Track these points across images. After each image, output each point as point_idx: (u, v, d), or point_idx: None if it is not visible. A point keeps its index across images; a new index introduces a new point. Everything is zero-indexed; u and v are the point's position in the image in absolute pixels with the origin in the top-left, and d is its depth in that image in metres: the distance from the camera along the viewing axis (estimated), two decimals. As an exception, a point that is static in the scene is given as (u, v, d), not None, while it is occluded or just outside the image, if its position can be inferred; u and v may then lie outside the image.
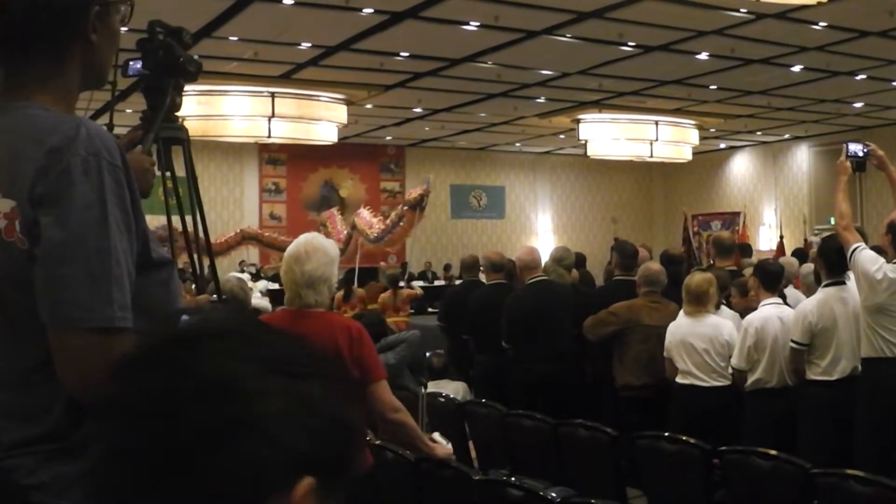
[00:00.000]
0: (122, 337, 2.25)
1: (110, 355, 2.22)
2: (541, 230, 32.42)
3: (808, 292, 8.83)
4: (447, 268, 27.86)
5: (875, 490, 5.25)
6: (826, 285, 7.72)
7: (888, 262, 7.28)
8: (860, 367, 7.49)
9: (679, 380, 8.42)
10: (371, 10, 14.39)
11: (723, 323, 8.43)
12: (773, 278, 8.35)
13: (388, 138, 28.70)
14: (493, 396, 9.25)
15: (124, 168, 2.33)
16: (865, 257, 7.19)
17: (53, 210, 2.22)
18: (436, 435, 5.73)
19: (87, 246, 2.22)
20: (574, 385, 9.77)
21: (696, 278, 8.72)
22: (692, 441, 6.64)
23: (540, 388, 9.46)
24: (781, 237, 27.13)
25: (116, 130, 3.02)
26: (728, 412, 8.13)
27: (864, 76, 19.55)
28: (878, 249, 7.63)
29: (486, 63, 17.99)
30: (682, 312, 8.74)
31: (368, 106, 22.29)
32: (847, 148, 7.58)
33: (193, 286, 3.82)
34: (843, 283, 7.57)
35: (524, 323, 9.80)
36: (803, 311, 7.72)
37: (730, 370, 8.25)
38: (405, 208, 16.79)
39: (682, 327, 8.43)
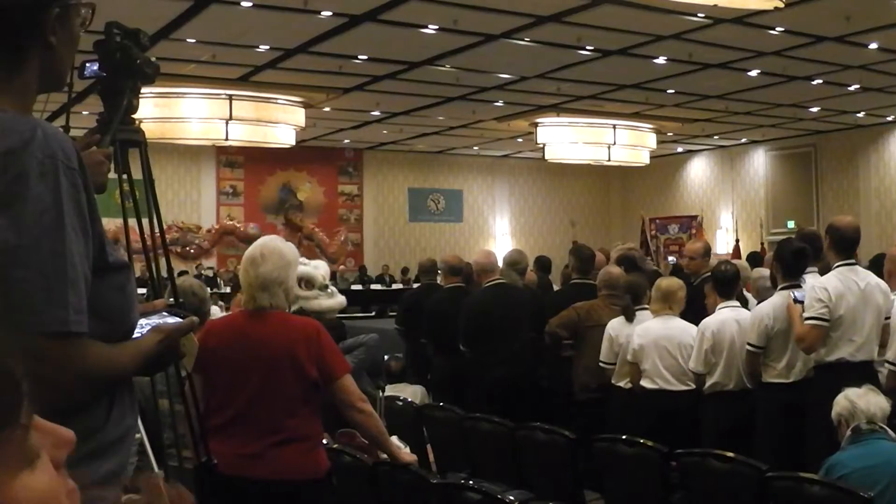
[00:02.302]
0: (78, 341, 2.23)
1: (66, 360, 2.21)
2: (498, 234, 32.45)
3: (759, 297, 8.84)
4: (404, 271, 27.87)
5: (829, 492, 5.28)
6: (782, 288, 7.76)
7: (832, 266, 7.36)
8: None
9: (646, 384, 8.40)
10: (329, 13, 14.37)
11: (689, 326, 8.42)
12: (726, 283, 8.37)
13: (346, 141, 28.67)
14: (451, 400, 9.24)
15: (81, 171, 2.30)
16: (809, 305, 7.26)
17: (8, 213, 2.18)
18: (394, 439, 5.72)
19: (42, 250, 2.19)
20: (531, 388, 9.78)
21: (668, 280, 8.77)
22: (650, 444, 6.66)
23: (498, 391, 9.45)
24: (737, 241, 27.31)
25: (73, 133, 2.99)
26: (694, 415, 8.15)
27: (820, 81, 19.68)
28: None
29: (445, 66, 18.00)
30: (622, 318, 8.80)
31: (326, 109, 22.25)
32: (794, 295, 7.58)
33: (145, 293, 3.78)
34: (799, 285, 7.60)
35: (481, 326, 9.79)
36: (759, 314, 7.75)
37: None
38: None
39: (652, 330, 8.42)
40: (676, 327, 8.38)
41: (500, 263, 10.75)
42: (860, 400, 5.72)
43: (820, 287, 7.24)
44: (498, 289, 10.05)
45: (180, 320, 2.66)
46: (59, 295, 2.20)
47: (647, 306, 8.74)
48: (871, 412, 5.64)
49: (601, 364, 8.88)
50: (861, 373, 7.03)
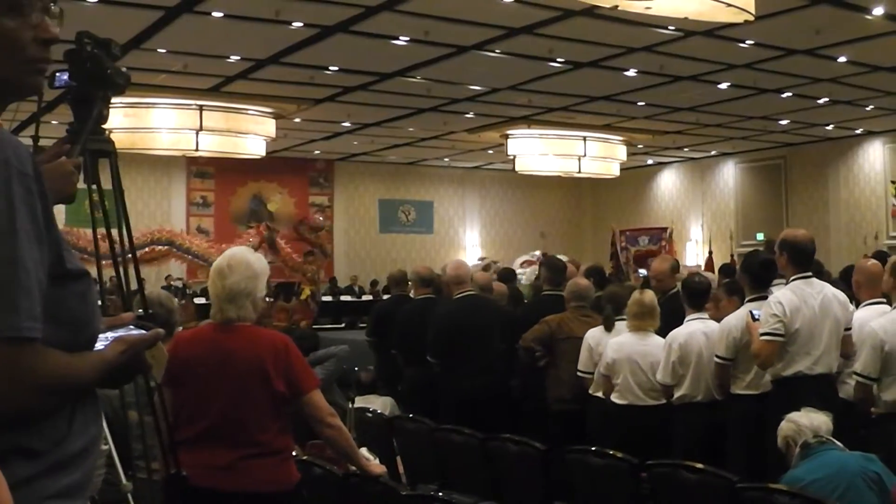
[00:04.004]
0: (30, 347, 2.19)
1: (17, 366, 2.17)
2: (469, 245, 32.48)
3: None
4: (373, 283, 27.73)
5: (799, 502, 5.30)
6: (750, 300, 7.78)
7: (788, 281, 7.36)
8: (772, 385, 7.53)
9: (616, 399, 8.40)
10: (301, 24, 14.37)
11: (663, 342, 8.40)
12: (698, 295, 8.38)
13: (317, 152, 28.65)
14: (422, 411, 9.22)
15: (36, 176, 2.26)
16: (765, 321, 7.24)
17: None
18: (363, 450, 5.71)
19: None
20: (503, 399, 9.77)
21: (648, 293, 8.73)
22: (620, 455, 6.66)
23: (470, 402, 9.44)
24: (711, 252, 27.39)
25: (43, 143, 2.98)
26: (666, 429, 8.14)
27: (790, 94, 19.80)
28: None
29: (416, 78, 18.02)
30: (600, 328, 8.79)
31: (297, 120, 22.25)
32: (752, 313, 7.55)
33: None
34: (766, 297, 7.61)
35: (453, 337, 9.76)
36: (728, 326, 7.76)
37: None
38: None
39: (626, 345, 8.41)
40: (651, 344, 8.38)
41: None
42: (802, 418, 5.75)
43: (775, 302, 7.22)
44: (470, 300, 10.04)
45: (145, 332, 2.63)
46: (10, 300, 2.16)
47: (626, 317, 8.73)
48: (815, 426, 5.67)
49: (579, 373, 8.85)
50: (819, 386, 7.06)
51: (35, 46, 2.41)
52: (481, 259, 13.38)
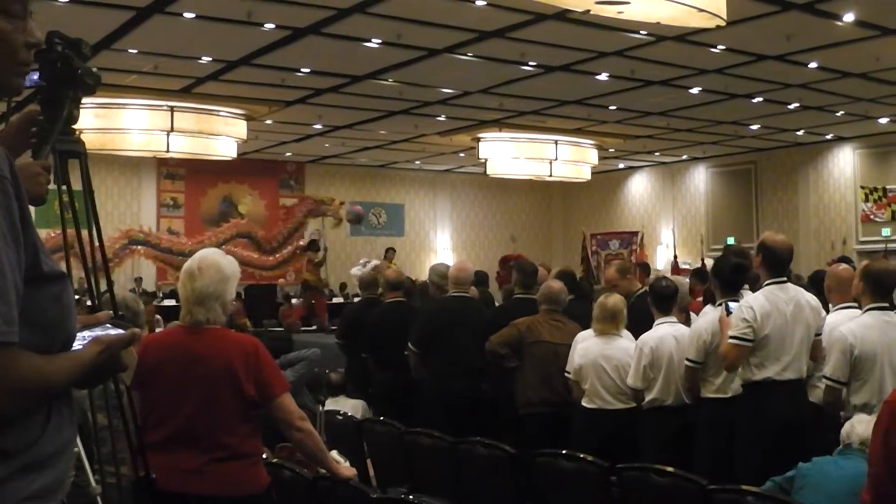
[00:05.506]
0: (7, 352, 2.16)
1: None
2: (440, 248, 32.45)
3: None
4: (342, 286, 27.59)
5: (770, 506, 5.31)
6: (720, 304, 7.79)
7: (762, 284, 7.38)
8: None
9: (585, 403, 8.41)
10: (273, 26, 14.33)
11: (631, 346, 8.42)
12: (665, 299, 8.39)
13: (288, 154, 28.58)
14: (392, 414, 9.21)
15: (13, 179, 2.24)
16: (734, 324, 7.23)
17: None
18: (334, 453, 5.69)
19: None
20: (481, 402, 9.75)
21: (612, 297, 8.73)
22: (590, 459, 6.65)
23: (457, 406, 9.44)
24: (675, 256, 27.44)
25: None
26: (634, 432, 8.15)
27: (760, 99, 19.88)
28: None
29: (388, 80, 18.01)
30: (590, 331, 8.77)
31: (269, 122, 22.21)
32: (727, 305, 7.57)
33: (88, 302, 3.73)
34: (736, 301, 7.63)
35: (441, 332, 9.72)
36: (698, 330, 7.78)
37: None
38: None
39: (592, 349, 8.42)
40: (617, 347, 8.39)
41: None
42: (860, 425, 5.66)
43: (746, 306, 7.24)
44: (464, 300, 10.05)
45: (122, 332, 2.61)
46: None
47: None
48: (866, 437, 5.58)
49: (566, 375, 8.82)
50: (788, 390, 7.09)
51: (24, 50, 2.41)
52: (364, 262, 13.33)
